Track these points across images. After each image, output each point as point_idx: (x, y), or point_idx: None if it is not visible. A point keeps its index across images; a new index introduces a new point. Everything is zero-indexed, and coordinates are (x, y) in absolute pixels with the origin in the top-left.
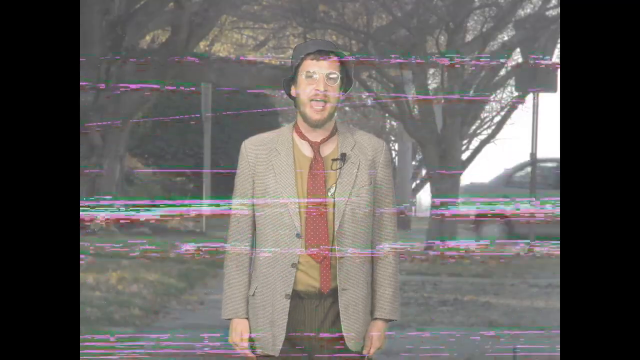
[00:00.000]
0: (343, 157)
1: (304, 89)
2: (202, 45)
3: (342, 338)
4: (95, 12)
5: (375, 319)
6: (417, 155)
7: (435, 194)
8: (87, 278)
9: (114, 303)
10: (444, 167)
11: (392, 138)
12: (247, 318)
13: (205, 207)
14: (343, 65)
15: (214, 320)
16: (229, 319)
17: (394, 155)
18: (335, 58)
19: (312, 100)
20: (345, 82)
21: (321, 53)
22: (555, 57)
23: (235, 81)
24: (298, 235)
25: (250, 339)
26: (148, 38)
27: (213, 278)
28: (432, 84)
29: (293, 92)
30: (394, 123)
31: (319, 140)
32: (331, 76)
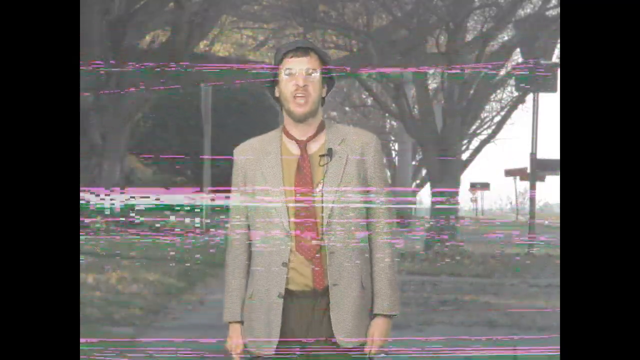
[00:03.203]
0: (330, 153)
1: (285, 86)
2: (202, 45)
3: (342, 337)
4: (95, 12)
5: (375, 315)
6: (417, 155)
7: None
8: (87, 278)
9: (113, 303)
10: (444, 167)
11: (392, 138)
12: (243, 322)
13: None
14: (323, 63)
15: (214, 320)
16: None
17: (393, 155)
18: (315, 54)
19: (294, 96)
20: (327, 80)
21: (300, 50)
22: (555, 57)
23: (235, 81)
24: (287, 234)
25: (250, 342)
26: (148, 38)
27: (213, 278)
28: (432, 83)
29: (277, 92)
30: (394, 123)
31: (305, 138)
32: (310, 72)
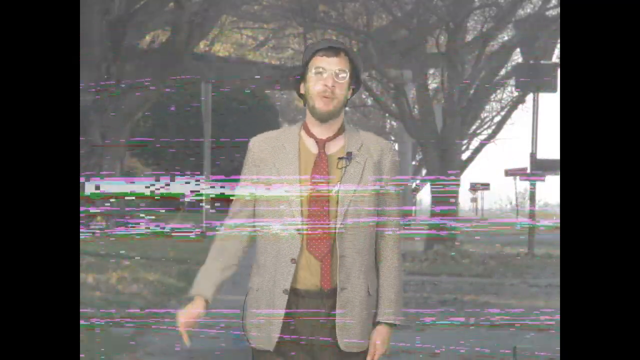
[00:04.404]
0: (349, 156)
1: (314, 85)
2: (202, 45)
3: (346, 342)
4: (95, 12)
5: (379, 323)
6: (417, 155)
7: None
8: (87, 278)
9: (113, 303)
10: (444, 167)
11: (392, 138)
12: (207, 302)
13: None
14: (352, 64)
15: (215, 320)
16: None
17: None
18: (345, 56)
19: (321, 95)
20: (354, 82)
21: (331, 50)
22: (555, 57)
23: (235, 81)
24: (299, 231)
25: (246, 330)
26: (148, 38)
27: None
28: (432, 83)
29: (302, 88)
30: (394, 123)
31: (325, 138)
32: (340, 74)
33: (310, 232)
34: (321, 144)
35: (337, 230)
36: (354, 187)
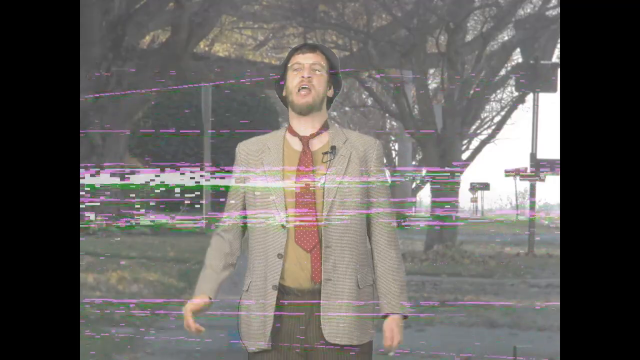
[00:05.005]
0: (333, 150)
1: (292, 80)
2: (202, 45)
3: (331, 333)
4: (95, 12)
5: (386, 315)
6: (417, 155)
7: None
8: (87, 278)
9: (113, 303)
10: (444, 167)
11: (392, 138)
12: (210, 298)
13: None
14: (329, 62)
15: (215, 320)
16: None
17: (394, 155)
18: (322, 53)
19: (298, 88)
20: (334, 81)
21: (307, 46)
22: (555, 57)
23: (235, 82)
24: (283, 227)
25: (241, 334)
26: (148, 38)
27: None
28: (432, 83)
29: (284, 91)
30: (394, 123)
31: (308, 135)
32: (315, 67)
33: (298, 226)
34: (305, 140)
35: (323, 222)
36: (340, 179)
